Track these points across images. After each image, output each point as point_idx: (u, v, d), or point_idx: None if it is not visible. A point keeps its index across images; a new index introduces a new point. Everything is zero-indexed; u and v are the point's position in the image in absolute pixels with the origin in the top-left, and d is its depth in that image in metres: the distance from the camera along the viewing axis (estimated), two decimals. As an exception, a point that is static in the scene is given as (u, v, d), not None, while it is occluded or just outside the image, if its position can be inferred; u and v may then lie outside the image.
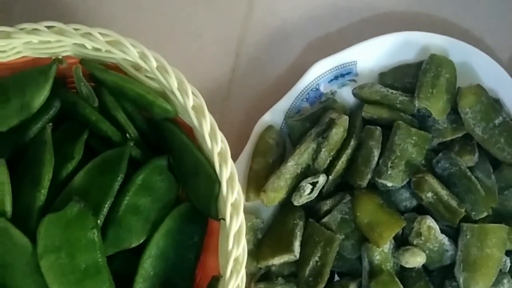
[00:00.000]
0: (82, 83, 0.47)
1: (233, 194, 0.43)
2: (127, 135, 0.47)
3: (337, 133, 0.54)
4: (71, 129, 0.48)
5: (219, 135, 0.44)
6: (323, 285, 0.52)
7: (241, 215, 0.43)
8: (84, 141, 0.47)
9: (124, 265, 0.45)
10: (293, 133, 0.58)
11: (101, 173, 0.45)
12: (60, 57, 0.47)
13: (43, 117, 0.47)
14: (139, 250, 0.45)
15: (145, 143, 0.49)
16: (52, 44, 0.45)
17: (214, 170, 0.43)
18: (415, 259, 0.52)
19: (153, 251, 0.45)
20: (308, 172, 0.55)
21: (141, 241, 0.46)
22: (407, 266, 0.52)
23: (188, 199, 0.48)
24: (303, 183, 0.53)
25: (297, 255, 0.53)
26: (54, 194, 0.45)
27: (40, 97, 0.46)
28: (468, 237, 0.52)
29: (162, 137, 0.49)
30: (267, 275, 0.55)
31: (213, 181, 0.44)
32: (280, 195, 0.54)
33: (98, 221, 0.44)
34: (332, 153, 0.55)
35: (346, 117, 0.55)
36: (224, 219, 0.43)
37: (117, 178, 0.45)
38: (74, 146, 0.46)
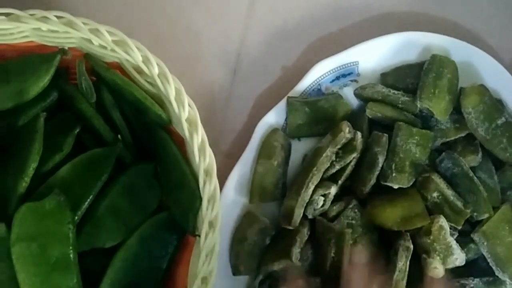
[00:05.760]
0: (84, 77, 0.47)
1: (212, 212, 0.43)
2: (119, 136, 0.47)
3: (353, 155, 0.54)
4: (65, 121, 0.48)
5: (208, 151, 0.43)
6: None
7: (217, 235, 0.42)
8: (76, 135, 0.47)
9: (94, 264, 0.45)
10: (291, 111, 0.57)
11: (87, 170, 0.45)
12: (66, 48, 0.47)
13: (39, 105, 0.47)
14: (112, 252, 0.45)
15: (136, 147, 0.49)
16: (59, 34, 0.45)
17: (198, 185, 0.43)
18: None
19: (125, 255, 0.45)
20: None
21: (115, 243, 0.46)
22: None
23: (169, 209, 0.47)
24: (315, 197, 0.53)
25: (296, 261, 0.53)
26: (37, 184, 0.45)
27: (40, 85, 0.46)
28: (485, 243, 0.53)
29: (153, 143, 0.48)
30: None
31: (195, 196, 0.44)
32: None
33: (76, 217, 0.44)
34: (341, 164, 0.55)
35: (361, 139, 0.54)
36: (199, 236, 0.43)
37: (102, 177, 0.45)
38: (65, 139, 0.46)
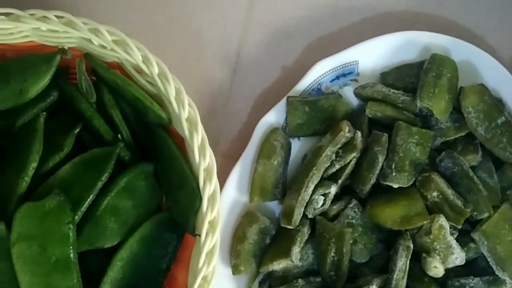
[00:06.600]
0: (83, 77, 0.47)
1: (212, 212, 0.43)
2: (120, 135, 0.47)
3: (353, 154, 0.54)
4: (65, 120, 0.48)
5: (208, 151, 0.43)
6: (345, 278, 0.53)
7: (217, 234, 0.42)
8: (76, 135, 0.47)
9: (94, 264, 0.46)
10: (291, 110, 0.57)
11: (87, 170, 0.45)
12: (66, 47, 0.47)
13: (39, 105, 0.47)
14: (112, 252, 0.45)
15: (136, 146, 0.49)
16: (59, 33, 0.45)
17: (198, 185, 0.43)
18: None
19: (125, 255, 0.45)
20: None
21: (115, 243, 0.46)
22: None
23: (169, 209, 0.47)
24: (315, 196, 0.54)
25: (295, 261, 0.53)
26: (37, 183, 0.45)
27: (40, 85, 0.46)
28: (485, 242, 0.52)
29: (153, 143, 0.48)
30: (286, 278, 0.55)
31: (195, 196, 0.44)
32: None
33: (76, 217, 0.44)
34: (341, 163, 0.55)
35: (361, 138, 0.54)
36: (199, 235, 0.43)
37: (102, 177, 0.45)
38: (65, 138, 0.46)
